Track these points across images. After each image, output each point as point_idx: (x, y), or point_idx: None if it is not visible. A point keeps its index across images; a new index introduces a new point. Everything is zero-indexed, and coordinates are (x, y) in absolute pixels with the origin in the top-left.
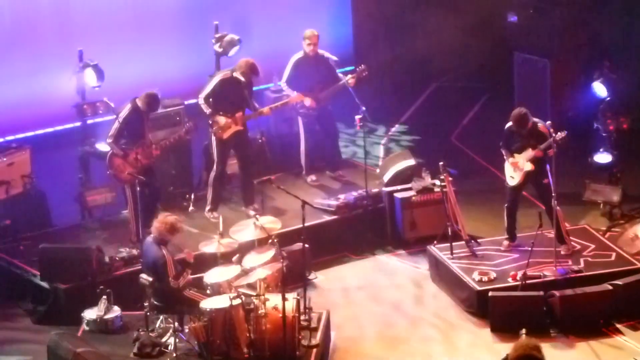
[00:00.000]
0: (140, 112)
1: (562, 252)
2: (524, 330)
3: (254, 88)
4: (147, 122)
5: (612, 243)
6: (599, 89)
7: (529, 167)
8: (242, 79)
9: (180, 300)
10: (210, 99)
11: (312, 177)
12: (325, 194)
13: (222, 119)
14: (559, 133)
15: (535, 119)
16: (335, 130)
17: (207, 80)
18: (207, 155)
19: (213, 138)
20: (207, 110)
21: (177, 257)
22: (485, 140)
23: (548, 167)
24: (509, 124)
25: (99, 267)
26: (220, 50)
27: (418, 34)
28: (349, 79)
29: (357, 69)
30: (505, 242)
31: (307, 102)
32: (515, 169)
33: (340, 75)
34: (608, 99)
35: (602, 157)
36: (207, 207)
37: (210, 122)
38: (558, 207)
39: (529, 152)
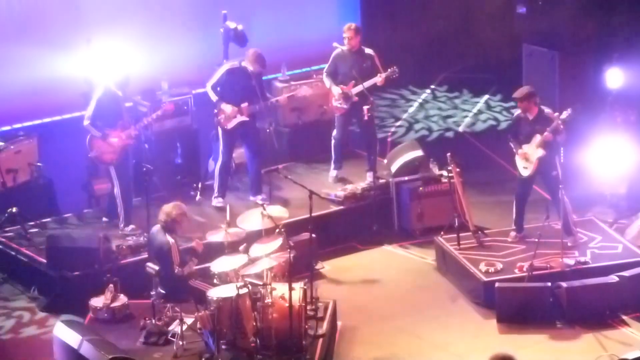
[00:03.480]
0: (114, 92)
1: (569, 244)
2: None
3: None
4: (123, 102)
5: (619, 235)
6: (614, 76)
7: (540, 153)
8: (250, 69)
9: (186, 289)
10: (218, 88)
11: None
12: (333, 184)
13: (227, 108)
14: (564, 112)
15: (542, 106)
16: (373, 135)
17: (215, 70)
18: (215, 144)
19: (219, 128)
20: (214, 98)
21: (185, 247)
22: (493, 131)
23: (557, 158)
24: (517, 111)
25: (106, 255)
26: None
27: (426, 24)
28: (379, 80)
29: (389, 69)
30: (513, 234)
31: (336, 92)
32: (526, 159)
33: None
34: (616, 91)
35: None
36: (214, 195)
37: (216, 111)
38: (566, 199)
39: (537, 138)
